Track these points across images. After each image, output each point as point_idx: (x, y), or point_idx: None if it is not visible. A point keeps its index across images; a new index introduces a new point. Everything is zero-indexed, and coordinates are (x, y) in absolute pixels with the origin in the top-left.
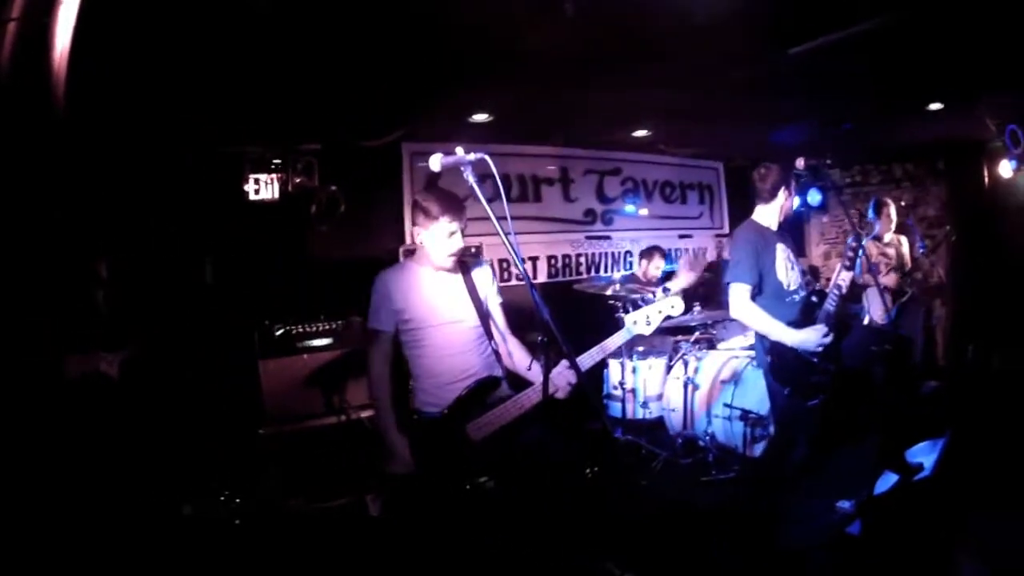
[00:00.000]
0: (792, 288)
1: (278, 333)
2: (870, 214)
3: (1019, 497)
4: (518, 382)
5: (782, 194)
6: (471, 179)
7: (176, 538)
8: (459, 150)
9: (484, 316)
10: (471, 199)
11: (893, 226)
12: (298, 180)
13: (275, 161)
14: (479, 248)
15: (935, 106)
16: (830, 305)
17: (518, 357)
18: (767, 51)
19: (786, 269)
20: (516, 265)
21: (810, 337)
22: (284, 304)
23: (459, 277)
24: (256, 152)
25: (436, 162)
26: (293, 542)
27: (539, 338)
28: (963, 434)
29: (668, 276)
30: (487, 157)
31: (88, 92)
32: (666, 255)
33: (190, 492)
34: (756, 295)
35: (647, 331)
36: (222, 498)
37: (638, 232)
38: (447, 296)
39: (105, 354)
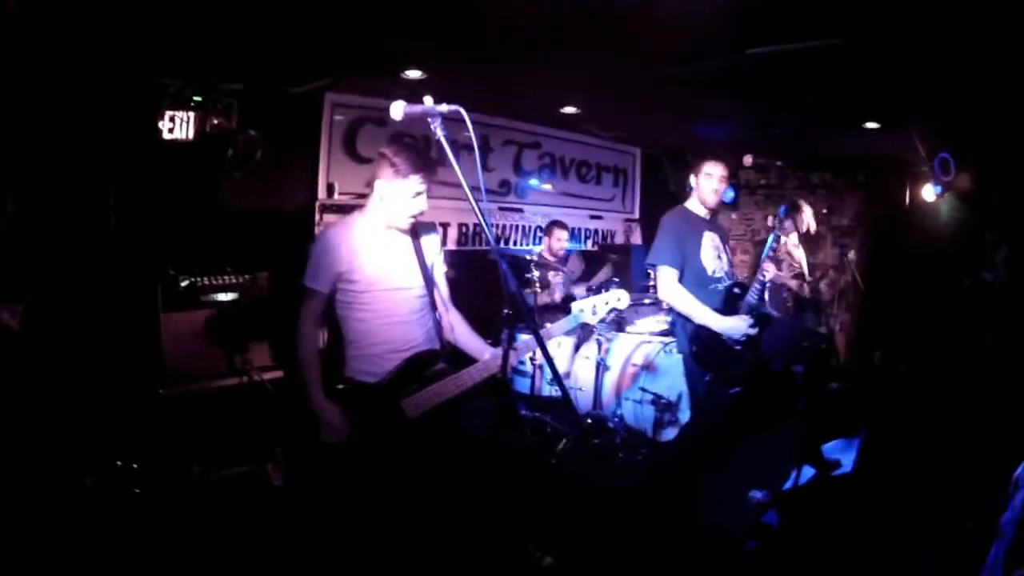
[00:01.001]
0: (716, 276)
1: (183, 284)
2: (781, 213)
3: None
4: (456, 358)
5: (694, 181)
6: (440, 133)
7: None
8: (428, 99)
9: (430, 284)
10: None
11: (803, 228)
12: (216, 121)
13: (195, 99)
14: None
15: (872, 124)
16: (752, 297)
17: (460, 331)
18: (717, 48)
19: (711, 257)
20: (486, 233)
21: (737, 325)
22: (192, 254)
23: (408, 240)
24: (175, 86)
25: (399, 110)
26: (194, 512)
27: (504, 311)
28: (879, 434)
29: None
30: (462, 110)
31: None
32: (569, 230)
33: (90, 457)
34: (679, 279)
35: (592, 320)
36: (119, 463)
37: (550, 208)
38: (396, 260)
39: (5, 305)
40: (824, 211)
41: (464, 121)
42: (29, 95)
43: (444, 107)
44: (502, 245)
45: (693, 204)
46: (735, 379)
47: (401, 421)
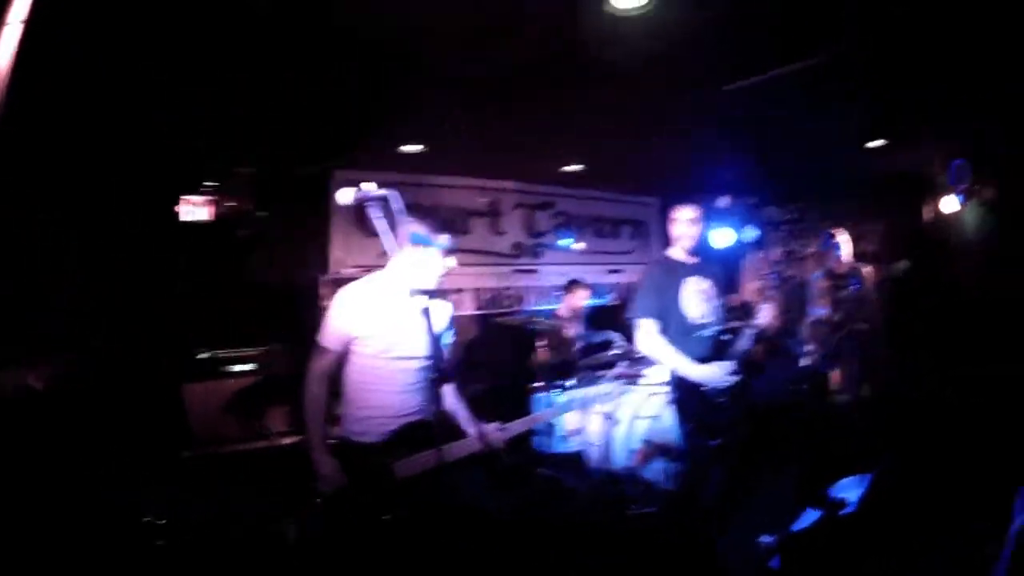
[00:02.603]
0: (701, 322)
1: (203, 357)
2: (824, 246)
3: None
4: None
5: (674, 229)
6: (378, 215)
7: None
8: (371, 185)
9: (437, 354)
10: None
11: (844, 259)
12: (229, 203)
13: (208, 183)
14: None
15: (877, 143)
16: (743, 344)
17: (450, 402)
18: (700, 87)
19: (695, 303)
20: None
21: (715, 373)
22: (210, 327)
23: (422, 307)
24: (190, 172)
25: (346, 196)
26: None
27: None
28: (890, 469)
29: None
30: (395, 193)
31: (25, 110)
32: (590, 287)
33: (116, 513)
34: (662, 329)
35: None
36: (145, 520)
37: (566, 266)
38: (410, 327)
39: (33, 368)
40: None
41: (399, 204)
42: (59, 179)
43: (380, 191)
44: (518, 306)
45: (674, 251)
46: (715, 430)
47: (391, 482)
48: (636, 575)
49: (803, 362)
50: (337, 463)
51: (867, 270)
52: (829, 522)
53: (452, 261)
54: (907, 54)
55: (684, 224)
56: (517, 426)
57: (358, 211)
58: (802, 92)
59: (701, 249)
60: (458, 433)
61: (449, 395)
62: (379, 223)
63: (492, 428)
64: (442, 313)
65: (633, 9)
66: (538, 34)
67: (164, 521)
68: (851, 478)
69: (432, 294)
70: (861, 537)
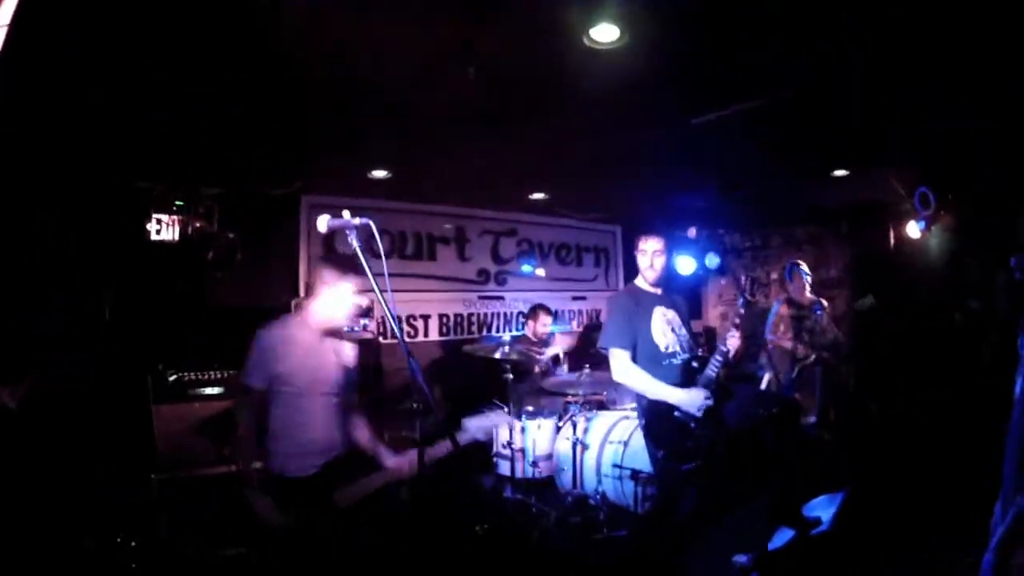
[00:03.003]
0: (669, 351)
1: (171, 378)
2: (787, 277)
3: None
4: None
5: (640, 260)
6: (355, 243)
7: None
8: (346, 213)
9: (347, 387)
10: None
11: (807, 289)
12: (198, 224)
13: (177, 202)
14: (370, 307)
15: (840, 172)
16: (711, 370)
17: (361, 433)
18: (668, 119)
19: (663, 332)
20: (392, 326)
21: (694, 399)
22: (178, 349)
23: (333, 346)
24: (160, 190)
25: (323, 223)
26: None
27: (413, 404)
28: (861, 488)
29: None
30: (371, 223)
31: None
32: (553, 313)
33: (85, 530)
34: (633, 358)
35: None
36: (118, 540)
37: (531, 293)
38: (323, 363)
39: (6, 387)
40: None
41: (374, 234)
42: (32, 198)
43: (357, 220)
44: (484, 332)
45: (640, 281)
46: (688, 455)
47: (332, 511)
48: None
49: (765, 386)
50: (270, 500)
51: (827, 301)
52: (804, 540)
53: (363, 300)
54: (871, 84)
55: (650, 255)
56: (435, 451)
57: (329, 236)
58: (767, 124)
59: (666, 278)
60: (376, 464)
61: (362, 427)
62: (357, 250)
63: (407, 458)
64: (350, 351)
65: (608, 43)
66: (513, 64)
67: (133, 543)
68: (823, 497)
69: (341, 333)
70: (836, 554)
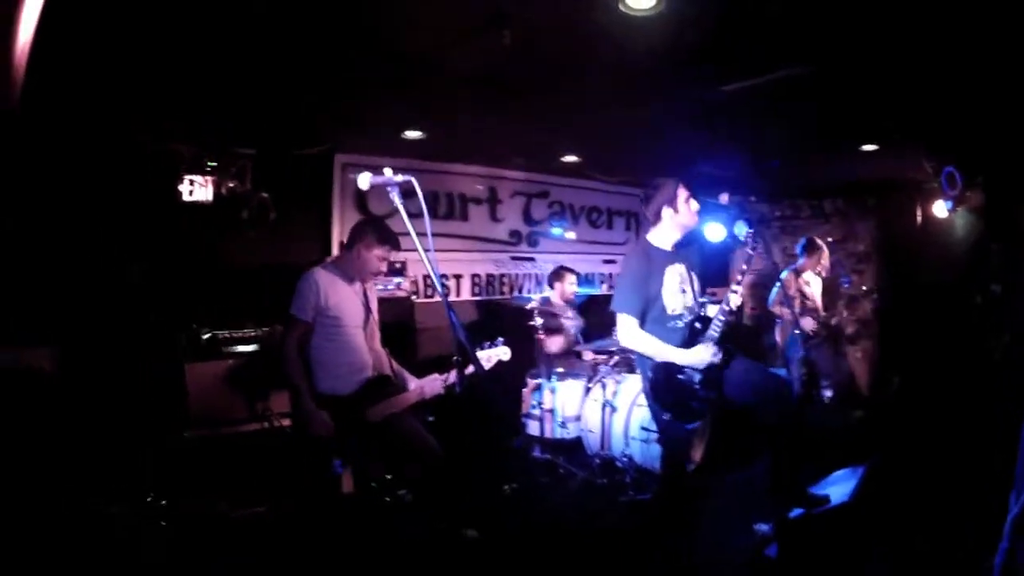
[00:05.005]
0: (676, 312)
1: (205, 337)
2: (798, 249)
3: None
4: None
5: (667, 213)
6: (397, 200)
7: (104, 537)
8: (387, 170)
9: (372, 326)
10: (395, 216)
11: (821, 268)
12: (231, 184)
13: (210, 163)
14: (404, 264)
15: (869, 147)
16: (713, 331)
17: (383, 362)
18: (701, 86)
19: (673, 293)
20: (434, 282)
21: (700, 356)
22: (211, 308)
23: (363, 289)
24: (192, 152)
25: (365, 180)
26: (218, 546)
27: (455, 359)
28: (884, 461)
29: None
30: (413, 180)
31: (42, 88)
32: (577, 274)
33: (117, 491)
34: (643, 319)
35: (486, 366)
36: (148, 499)
37: (561, 255)
38: (356, 303)
39: (36, 349)
40: (830, 239)
41: (415, 191)
42: (63, 162)
43: (400, 177)
44: (515, 294)
45: (657, 237)
46: (693, 415)
47: (365, 424)
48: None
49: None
50: (326, 413)
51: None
52: (827, 513)
53: (385, 264)
54: (902, 61)
55: (689, 213)
56: (452, 375)
57: (364, 195)
58: (797, 94)
59: (686, 238)
60: (402, 386)
61: (386, 356)
62: (399, 207)
63: (429, 379)
64: (374, 296)
65: (644, 10)
66: (548, 28)
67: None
68: (844, 470)
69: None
70: (857, 526)
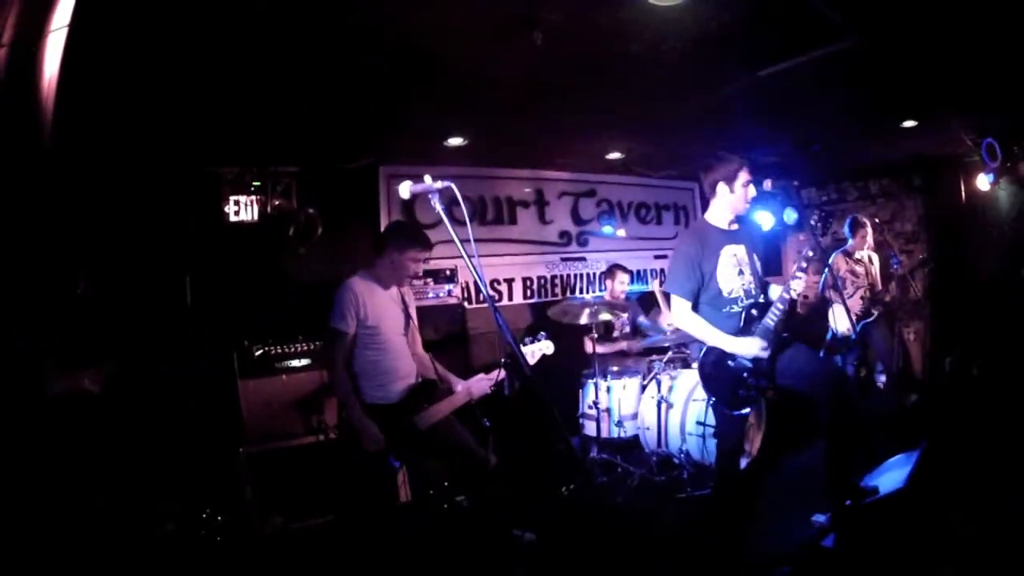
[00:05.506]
0: (733, 296)
1: (257, 354)
2: (846, 231)
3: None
4: None
5: (722, 189)
6: (438, 207)
7: (160, 554)
8: (427, 178)
9: (412, 331)
10: (441, 224)
11: (867, 246)
12: (277, 202)
13: (254, 183)
14: (453, 271)
15: (909, 123)
16: (771, 319)
17: (427, 366)
18: (736, 73)
19: (728, 276)
20: (482, 288)
21: (749, 347)
22: (263, 325)
23: (400, 296)
24: (234, 173)
25: (406, 190)
26: (273, 561)
27: (503, 360)
28: (939, 444)
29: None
30: (453, 185)
31: (74, 117)
32: (630, 272)
33: (172, 509)
34: (697, 301)
35: (531, 361)
36: (204, 515)
37: (612, 253)
38: (395, 309)
39: (89, 371)
40: (877, 220)
41: (456, 196)
42: (110, 189)
43: (439, 184)
44: (568, 294)
45: (715, 216)
46: (739, 403)
47: (415, 432)
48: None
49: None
50: (376, 425)
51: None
52: (883, 500)
53: (420, 268)
54: (938, 36)
55: (745, 188)
56: (497, 374)
57: (410, 204)
58: (833, 72)
59: (742, 217)
60: (449, 389)
61: (428, 360)
62: (441, 214)
63: (475, 379)
64: (412, 301)
65: (670, 3)
66: (577, 28)
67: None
68: (899, 456)
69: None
70: (913, 513)
